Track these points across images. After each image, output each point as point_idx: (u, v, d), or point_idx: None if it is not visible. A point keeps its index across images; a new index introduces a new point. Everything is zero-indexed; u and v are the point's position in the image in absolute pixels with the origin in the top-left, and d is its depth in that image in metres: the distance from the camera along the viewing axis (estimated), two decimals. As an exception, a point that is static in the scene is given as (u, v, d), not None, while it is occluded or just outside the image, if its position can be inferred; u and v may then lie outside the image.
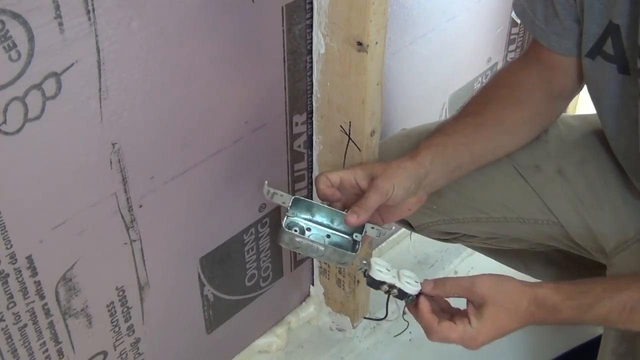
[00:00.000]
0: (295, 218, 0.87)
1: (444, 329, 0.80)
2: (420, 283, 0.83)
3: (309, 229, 0.87)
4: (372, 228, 0.88)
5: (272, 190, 0.86)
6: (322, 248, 0.84)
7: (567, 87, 0.97)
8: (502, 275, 0.81)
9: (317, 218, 0.88)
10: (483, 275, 0.80)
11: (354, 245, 0.88)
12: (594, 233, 0.98)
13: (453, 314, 0.83)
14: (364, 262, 0.83)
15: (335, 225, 0.89)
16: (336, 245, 0.87)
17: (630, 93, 0.86)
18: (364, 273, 0.84)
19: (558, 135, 1.03)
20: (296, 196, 0.86)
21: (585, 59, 0.89)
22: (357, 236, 0.87)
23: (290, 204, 0.87)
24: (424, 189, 0.90)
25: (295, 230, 0.86)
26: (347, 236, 0.89)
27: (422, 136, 0.97)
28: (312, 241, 0.84)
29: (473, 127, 0.94)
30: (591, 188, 0.98)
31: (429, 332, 0.82)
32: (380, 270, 0.83)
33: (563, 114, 1.04)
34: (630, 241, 0.94)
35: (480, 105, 0.97)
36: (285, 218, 0.86)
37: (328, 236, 0.88)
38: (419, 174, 0.88)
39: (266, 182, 0.87)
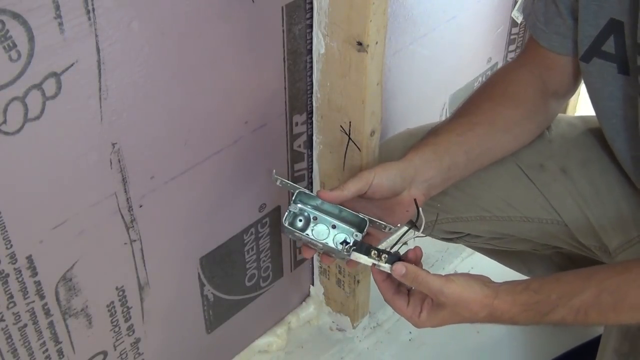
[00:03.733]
0: (303, 206, 0.87)
1: (395, 304, 0.83)
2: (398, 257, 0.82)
3: (315, 218, 0.87)
4: (379, 222, 0.87)
5: (279, 178, 0.87)
6: (320, 245, 0.85)
7: (562, 86, 0.97)
8: (471, 284, 0.80)
9: (325, 207, 0.88)
10: (453, 282, 0.79)
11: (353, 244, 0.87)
12: (598, 232, 0.98)
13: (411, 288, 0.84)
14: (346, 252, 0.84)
15: (342, 215, 0.88)
16: (337, 241, 0.87)
17: (629, 94, 0.86)
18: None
19: (562, 134, 1.03)
20: (302, 189, 0.86)
21: (580, 63, 0.89)
22: (358, 235, 0.87)
23: (294, 196, 0.86)
24: (417, 188, 0.89)
25: (301, 220, 0.86)
26: (352, 228, 0.88)
27: None
28: (311, 239, 0.85)
29: (467, 126, 0.94)
30: (594, 188, 0.98)
31: (383, 296, 0.84)
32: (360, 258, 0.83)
33: (566, 114, 1.04)
34: (634, 240, 0.94)
35: (474, 104, 0.98)
36: (287, 212, 0.86)
37: (334, 226, 0.87)
38: (406, 168, 0.88)
39: (274, 170, 0.86)
